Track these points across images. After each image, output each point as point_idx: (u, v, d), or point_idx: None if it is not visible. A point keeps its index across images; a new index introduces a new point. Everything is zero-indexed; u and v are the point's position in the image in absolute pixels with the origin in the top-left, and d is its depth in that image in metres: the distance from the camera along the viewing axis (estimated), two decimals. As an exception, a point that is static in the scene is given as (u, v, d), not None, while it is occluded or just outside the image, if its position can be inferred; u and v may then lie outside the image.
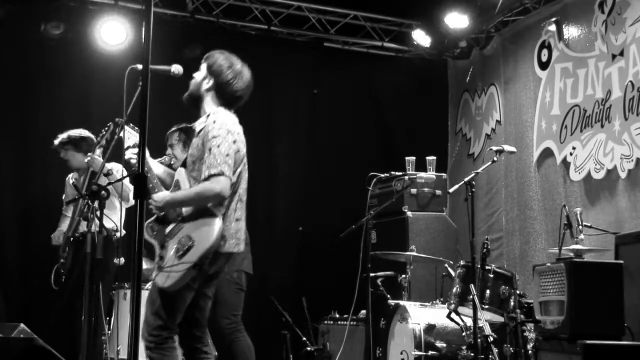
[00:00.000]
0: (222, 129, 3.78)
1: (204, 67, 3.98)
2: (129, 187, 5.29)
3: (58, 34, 6.96)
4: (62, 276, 5.37)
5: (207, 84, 3.96)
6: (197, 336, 3.91)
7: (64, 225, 5.79)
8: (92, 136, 5.69)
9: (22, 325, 3.87)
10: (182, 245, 3.70)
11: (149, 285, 5.11)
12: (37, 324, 4.73)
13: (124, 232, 5.52)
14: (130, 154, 3.99)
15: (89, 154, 5.50)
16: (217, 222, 3.69)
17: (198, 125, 3.90)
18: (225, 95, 3.96)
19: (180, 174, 3.92)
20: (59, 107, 6.98)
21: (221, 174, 3.68)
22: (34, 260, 6.72)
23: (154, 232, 3.85)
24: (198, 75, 3.98)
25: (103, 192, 3.94)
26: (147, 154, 4.05)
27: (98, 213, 3.99)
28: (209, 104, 3.95)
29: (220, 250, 3.75)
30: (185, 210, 3.80)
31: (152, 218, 3.87)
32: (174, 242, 3.74)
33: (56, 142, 5.79)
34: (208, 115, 3.87)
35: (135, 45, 6.86)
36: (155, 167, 4.10)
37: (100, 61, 6.97)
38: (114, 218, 5.48)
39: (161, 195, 3.80)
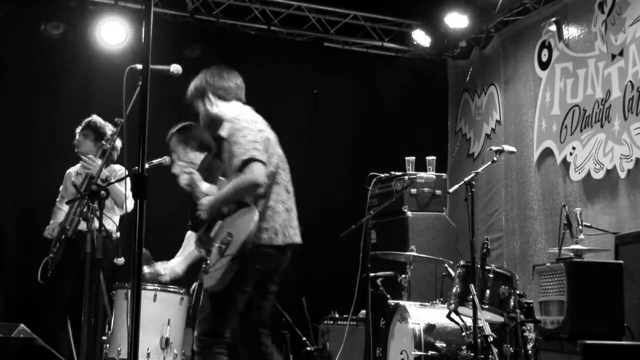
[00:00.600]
0: (243, 121, 3.84)
1: (196, 102, 4.05)
2: (122, 192, 5.28)
3: (58, 34, 6.96)
4: (48, 271, 5.37)
5: (207, 103, 4.01)
6: (260, 331, 4.00)
7: (59, 218, 5.77)
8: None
9: (22, 325, 3.86)
10: (222, 244, 3.74)
11: (150, 285, 5.12)
12: (37, 324, 4.72)
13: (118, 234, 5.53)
14: (184, 176, 4.08)
15: (89, 155, 5.49)
16: (253, 211, 3.71)
17: (222, 131, 3.93)
18: (222, 92, 4.01)
19: (222, 182, 3.97)
20: (59, 107, 6.98)
21: (252, 158, 3.70)
22: (34, 260, 6.70)
23: (202, 242, 3.91)
24: (201, 110, 4.05)
25: (103, 192, 3.94)
26: (200, 178, 4.14)
27: (98, 213, 3.99)
28: (223, 112, 3.99)
29: (273, 242, 3.80)
30: (224, 210, 3.85)
31: (202, 230, 3.93)
32: (216, 244, 3.79)
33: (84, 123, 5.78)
34: (229, 121, 3.92)
35: (135, 45, 6.86)
36: (204, 186, 4.15)
37: (100, 61, 6.97)
38: (112, 218, 5.49)
39: (206, 200, 3.87)
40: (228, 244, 3.71)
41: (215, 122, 4.00)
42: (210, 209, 3.83)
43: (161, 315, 4.99)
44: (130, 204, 5.37)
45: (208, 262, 3.81)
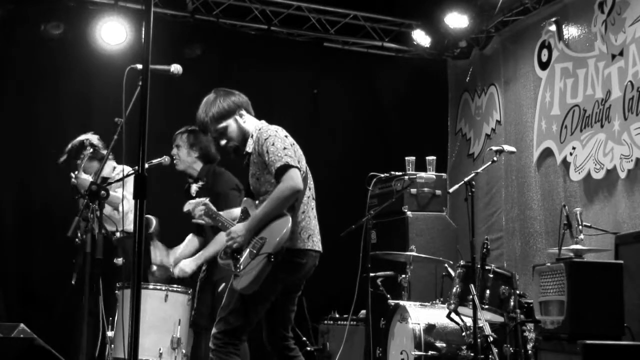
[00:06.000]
0: (269, 130, 3.90)
1: (223, 122, 4.01)
2: (117, 196, 5.28)
3: (58, 34, 6.96)
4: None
5: (239, 119, 4.02)
6: (284, 335, 3.99)
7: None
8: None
9: (22, 325, 3.86)
10: (253, 248, 3.75)
11: (151, 285, 5.13)
12: (37, 324, 4.72)
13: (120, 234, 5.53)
14: (199, 208, 4.07)
15: (76, 172, 5.48)
16: (287, 217, 3.73)
17: (249, 148, 3.97)
18: (248, 106, 4.07)
19: (247, 202, 3.99)
20: (59, 107, 6.98)
21: (287, 165, 3.75)
22: (34, 260, 6.72)
23: (227, 254, 3.90)
24: (232, 127, 4.03)
25: (102, 192, 3.94)
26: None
27: (98, 213, 3.98)
28: (249, 126, 4.03)
29: (304, 247, 3.82)
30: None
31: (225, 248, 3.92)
32: (247, 249, 3.79)
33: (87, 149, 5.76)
34: (252, 136, 3.97)
35: (135, 45, 6.86)
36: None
37: (100, 61, 6.97)
38: (113, 219, 5.49)
39: (239, 227, 3.83)
40: (261, 246, 3.72)
41: (246, 137, 4.02)
42: (250, 232, 3.80)
43: (172, 315, 5.01)
44: (126, 206, 5.36)
45: (238, 266, 3.80)
